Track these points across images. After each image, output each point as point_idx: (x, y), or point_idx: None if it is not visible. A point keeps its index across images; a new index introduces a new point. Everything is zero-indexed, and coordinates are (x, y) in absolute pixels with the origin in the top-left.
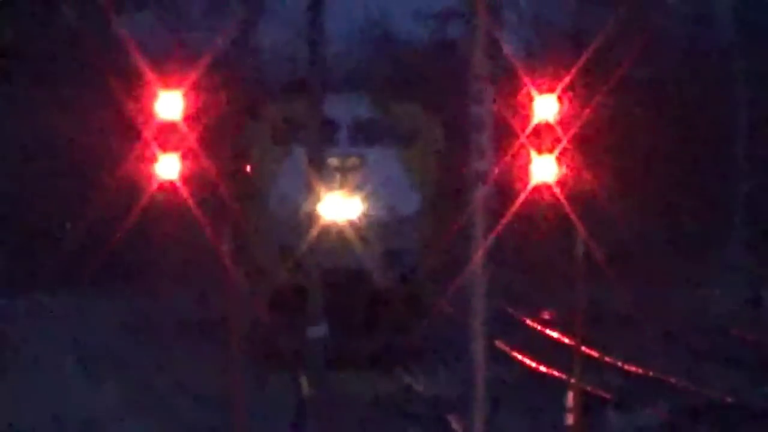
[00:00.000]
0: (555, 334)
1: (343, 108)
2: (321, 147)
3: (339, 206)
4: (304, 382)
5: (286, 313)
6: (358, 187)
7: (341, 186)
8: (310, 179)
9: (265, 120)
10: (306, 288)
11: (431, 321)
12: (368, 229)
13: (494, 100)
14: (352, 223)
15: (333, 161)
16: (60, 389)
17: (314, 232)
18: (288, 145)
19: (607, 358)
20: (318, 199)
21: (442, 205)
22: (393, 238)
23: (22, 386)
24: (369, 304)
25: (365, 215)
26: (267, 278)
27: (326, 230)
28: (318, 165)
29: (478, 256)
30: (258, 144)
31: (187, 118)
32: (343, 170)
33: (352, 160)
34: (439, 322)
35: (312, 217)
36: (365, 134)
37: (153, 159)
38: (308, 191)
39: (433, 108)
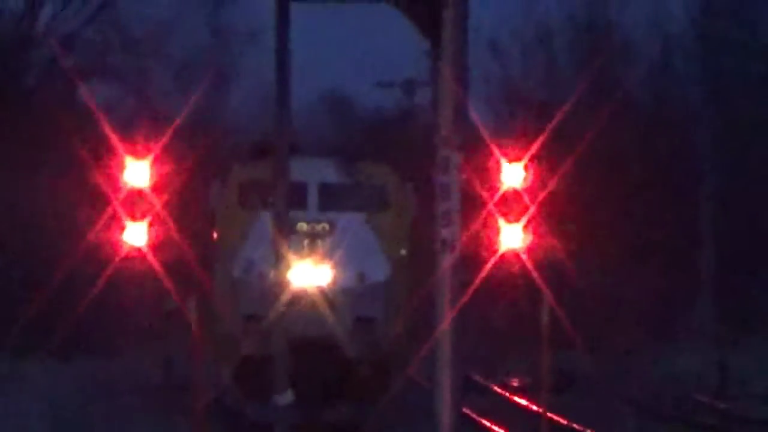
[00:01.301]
0: (523, 401)
1: (312, 172)
2: (289, 212)
3: (307, 273)
4: None
5: (252, 382)
6: (327, 254)
7: (310, 252)
8: (278, 245)
9: (231, 183)
10: (273, 357)
11: (400, 389)
12: (337, 297)
13: (461, 168)
14: (320, 290)
15: (302, 226)
16: None
17: (282, 299)
18: (255, 210)
19: (575, 425)
20: (286, 266)
21: (413, 272)
22: (362, 306)
23: None
24: (338, 372)
25: (334, 282)
26: (233, 347)
27: (294, 298)
28: (286, 230)
29: (445, 323)
30: (224, 208)
31: (154, 185)
32: (312, 236)
33: (322, 226)
34: (407, 391)
35: (280, 285)
36: (334, 199)
37: (121, 226)
38: (276, 257)
39: (403, 173)
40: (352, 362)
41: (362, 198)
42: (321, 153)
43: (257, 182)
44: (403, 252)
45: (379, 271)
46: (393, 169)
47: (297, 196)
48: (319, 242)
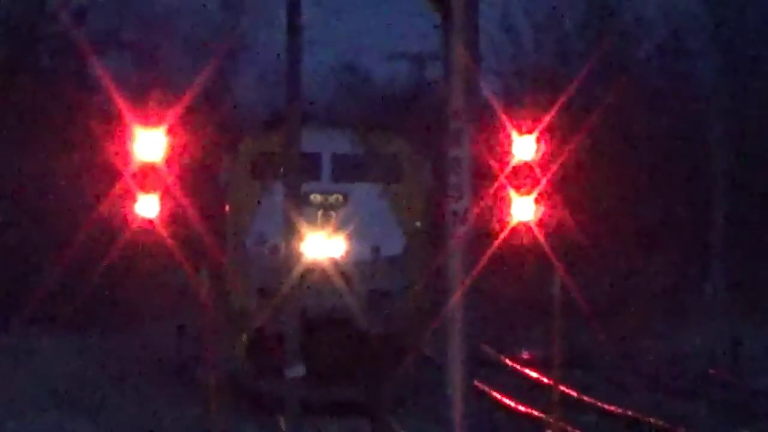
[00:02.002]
0: (534, 374)
1: (325, 142)
2: (302, 183)
3: (321, 245)
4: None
5: (265, 356)
6: (340, 226)
7: (323, 224)
8: (291, 217)
9: (243, 156)
10: (284, 330)
11: (414, 363)
12: (351, 269)
13: (472, 141)
14: (334, 263)
15: (315, 198)
16: (37, 425)
17: (295, 272)
18: (267, 182)
19: (585, 398)
20: (299, 238)
21: (428, 245)
22: (377, 279)
23: None
24: (351, 347)
25: (348, 255)
26: (245, 321)
27: (307, 270)
28: (299, 202)
29: (456, 297)
30: (236, 181)
31: (166, 158)
32: (325, 207)
33: (335, 197)
34: (420, 365)
35: (292, 257)
36: (348, 170)
37: (132, 199)
38: (288, 229)
39: (419, 144)
40: (366, 336)
41: (376, 169)
42: (333, 123)
43: (269, 154)
44: (418, 224)
45: (394, 243)
46: (408, 140)
47: (310, 167)
48: (333, 214)
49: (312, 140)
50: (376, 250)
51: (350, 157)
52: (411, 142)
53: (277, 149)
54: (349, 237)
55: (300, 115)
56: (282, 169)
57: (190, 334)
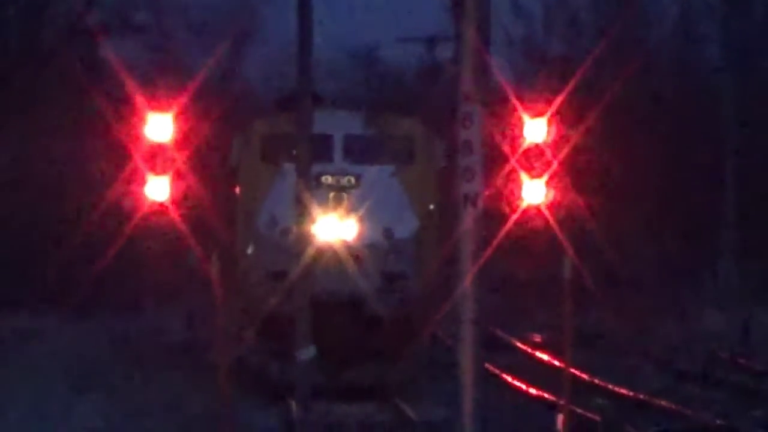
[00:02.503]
0: (545, 357)
1: (337, 123)
2: (314, 164)
3: (332, 227)
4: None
5: (276, 340)
6: (352, 208)
7: (335, 206)
8: (302, 199)
9: (253, 137)
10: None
11: (426, 347)
12: (363, 252)
13: (484, 123)
14: (346, 246)
15: (326, 180)
16: (47, 405)
17: (306, 255)
18: (278, 164)
19: (596, 381)
20: (310, 220)
21: (441, 227)
22: (389, 262)
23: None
24: (363, 330)
25: (360, 237)
26: (256, 305)
27: (319, 253)
28: (310, 184)
29: (467, 279)
30: (246, 163)
31: (176, 140)
32: (337, 189)
33: (347, 179)
34: (432, 348)
35: (304, 240)
36: (361, 151)
37: (142, 181)
38: (300, 212)
39: (432, 125)
40: (378, 320)
41: (389, 150)
42: (346, 105)
43: (280, 136)
44: (431, 207)
45: (407, 226)
46: (421, 121)
47: (322, 149)
48: (345, 196)
49: (324, 121)
50: (388, 232)
51: (362, 139)
52: (427, 120)
53: (288, 130)
54: (362, 219)
55: (311, 96)
56: (293, 151)
57: (201, 317)
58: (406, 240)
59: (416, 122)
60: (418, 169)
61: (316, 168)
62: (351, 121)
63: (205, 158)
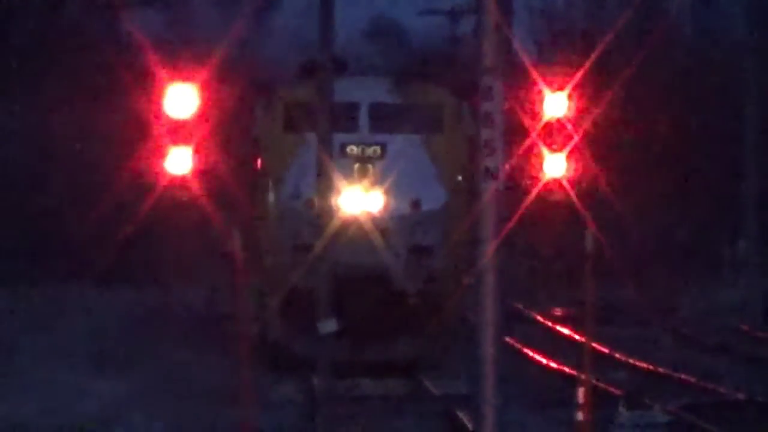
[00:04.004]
0: (566, 331)
1: (363, 91)
2: (338, 134)
3: (358, 199)
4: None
5: (299, 315)
6: (378, 179)
7: (360, 177)
8: (326, 170)
9: (276, 106)
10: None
11: (453, 322)
12: (390, 225)
13: (504, 97)
14: (372, 218)
15: (352, 150)
16: (67, 378)
17: (330, 228)
18: (302, 133)
19: (617, 354)
20: (335, 192)
21: (471, 199)
22: (417, 235)
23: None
24: (389, 306)
25: (386, 209)
26: (279, 279)
27: (344, 226)
28: (335, 154)
29: (488, 253)
30: (269, 133)
31: (198, 113)
32: (363, 160)
33: (373, 149)
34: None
35: (328, 212)
36: (387, 120)
37: (164, 155)
38: (324, 183)
39: (460, 92)
40: (404, 295)
41: (417, 119)
42: (372, 73)
43: (304, 104)
44: (460, 177)
45: (435, 197)
46: (449, 88)
47: (347, 118)
48: (371, 166)
49: (349, 89)
50: (415, 204)
51: (389, 107)
52: (455, 88)
53: (311, 99)
54: (388, 191)
55: (335, 61)
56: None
57: (222, 290)
58: (434, 212)
59: (445, 89)
60: (446, 138)
61: (340, 138)
62: (377, 89)
63: (228, 130)
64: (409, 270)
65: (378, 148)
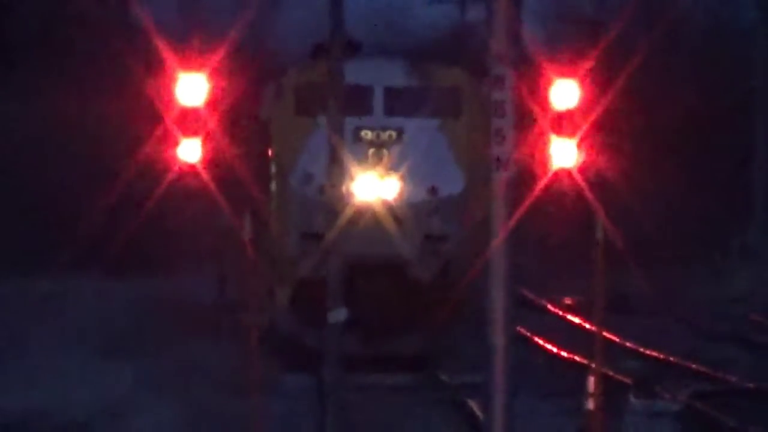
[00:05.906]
0: (576, 320)
1: (378, 74)
2: (352, 118)
3: (372, 186)
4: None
5: (309, 306)
6: (393, 165)
7: (375, 163)
8: (339, 155)
9: (286, 88)
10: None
11: (469, 313)
12: (405, 212)
13: (514, 85)
14: (386, 205)
15: (366, 134)
16: (76, 367)
17: (344, 215)
18: (313, 117)
19: (627, 343)
20: (348, 178)
21: (487, 186)
22: (433, 223)
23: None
24: (404, 296)
25: (402, 196)
26: (290, 268)
27: (357, 213)
28: (349, 139)
29: (499, 242)
30: (279, 116)
31: (208, 101)
32: (377, 145)
33: (388, 134)
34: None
35: (341, 199)
36: (403, 104)
37: (174, 143)
38: (336, 169)
39: (479, 74)
40: (419, 285)
41: (433, 103)
42: (387, 54)
43: (315, 86)
44: (480, 163)
45: (453, 183)
46: (467, 71)
47: (361, 101)
48: (386, 152)
49: (362, 71)
50: (432, 191)
51: (405, 90)
52: (473, 70)
53: (324, 80)
54: (403, 177)
55: (348, 43)
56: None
57: (233, 279)
58: (452, 199)
59: (463, 72)
60: (464, 122)
61: (354, 122)
62: (392, 71)
63: (238, 118)
64: (424, 259)
65: (393, 133)
